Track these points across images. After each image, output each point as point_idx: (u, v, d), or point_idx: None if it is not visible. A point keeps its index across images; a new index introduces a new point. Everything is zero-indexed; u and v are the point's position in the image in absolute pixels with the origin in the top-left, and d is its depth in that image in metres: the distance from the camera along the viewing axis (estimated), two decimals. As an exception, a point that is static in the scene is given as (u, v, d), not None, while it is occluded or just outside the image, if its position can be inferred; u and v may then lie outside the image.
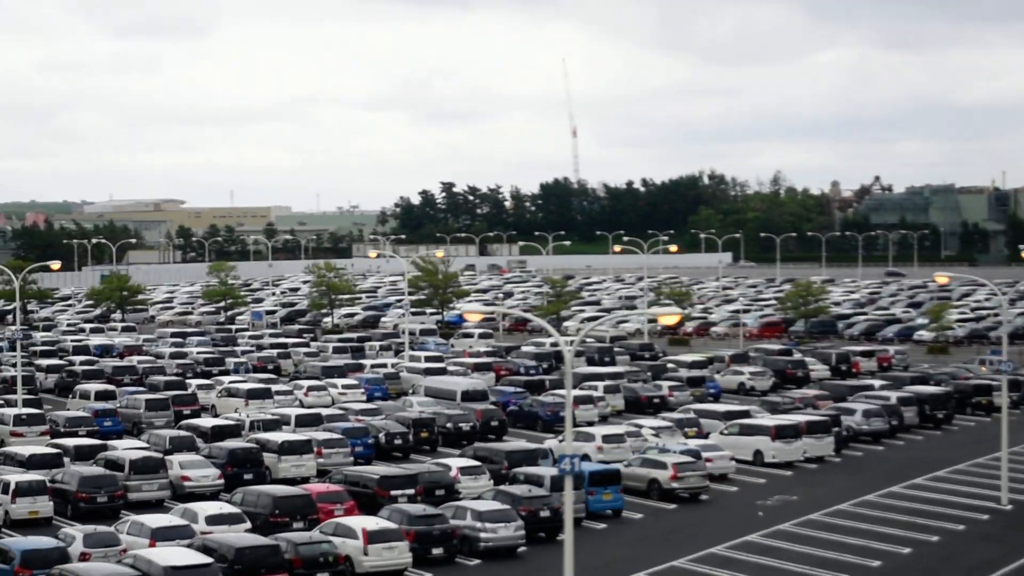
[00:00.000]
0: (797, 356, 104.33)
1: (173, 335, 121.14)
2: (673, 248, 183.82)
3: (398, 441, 69.86)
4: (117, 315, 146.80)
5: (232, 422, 70.61)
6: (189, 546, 45.17)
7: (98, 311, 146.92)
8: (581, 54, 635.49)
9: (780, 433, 69.23)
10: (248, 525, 49.87)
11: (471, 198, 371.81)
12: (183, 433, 67.21)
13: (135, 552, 43.63)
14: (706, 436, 71.71)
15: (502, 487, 55.09)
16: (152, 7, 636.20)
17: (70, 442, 64.31)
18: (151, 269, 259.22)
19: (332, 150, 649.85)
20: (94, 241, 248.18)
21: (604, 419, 79.43)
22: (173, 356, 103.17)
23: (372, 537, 47.28)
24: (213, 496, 57.85)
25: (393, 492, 55.27)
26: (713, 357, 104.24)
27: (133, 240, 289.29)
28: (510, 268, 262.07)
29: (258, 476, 61.18)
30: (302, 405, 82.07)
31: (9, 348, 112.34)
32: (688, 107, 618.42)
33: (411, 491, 55.66)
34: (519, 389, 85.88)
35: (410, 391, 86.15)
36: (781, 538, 53.61)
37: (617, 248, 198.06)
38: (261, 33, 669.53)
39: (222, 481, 59.96)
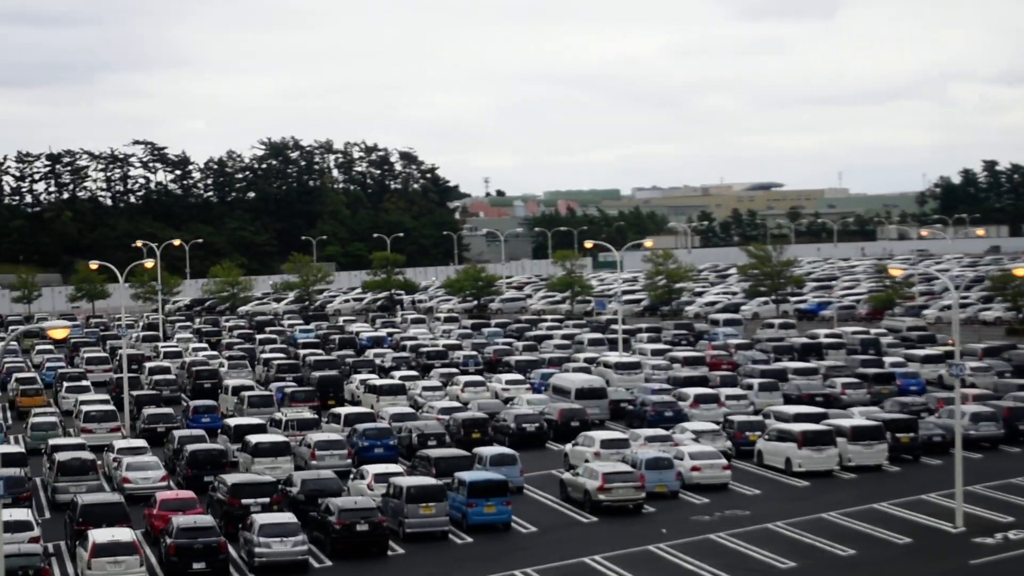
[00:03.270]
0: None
1: (470, 326, 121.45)
2: (980, 232, 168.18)
3: (432, 443, 67.07)
4: (495, 304, 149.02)
5: (260, 421, 69.89)
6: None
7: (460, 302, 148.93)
8: None
9: (808, 440, 62.49)
10: (35, 533, 49.15)
11: (1015, 176, 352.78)
12: (196, 432, 67.20)
13: None
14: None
15: (332, 499, 52.19)
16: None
17: (52, 440, 65.38)
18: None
19: (966, 127, 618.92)
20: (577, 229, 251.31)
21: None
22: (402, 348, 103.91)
23: (98, 550, 45.73)
24: None
25: (244, 501, 53.29)
26: (963, 350, 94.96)
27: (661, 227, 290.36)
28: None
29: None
30: (459, 400, 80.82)
31: (293, 342, 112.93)
32: None
33: (266, 500, 53.50)
34: (664, 387, 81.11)
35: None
36: (622, 562, 48.25)
37: (924, 232, 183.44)
38: (889, 10, 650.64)
39: (166, 483, 59.51)
